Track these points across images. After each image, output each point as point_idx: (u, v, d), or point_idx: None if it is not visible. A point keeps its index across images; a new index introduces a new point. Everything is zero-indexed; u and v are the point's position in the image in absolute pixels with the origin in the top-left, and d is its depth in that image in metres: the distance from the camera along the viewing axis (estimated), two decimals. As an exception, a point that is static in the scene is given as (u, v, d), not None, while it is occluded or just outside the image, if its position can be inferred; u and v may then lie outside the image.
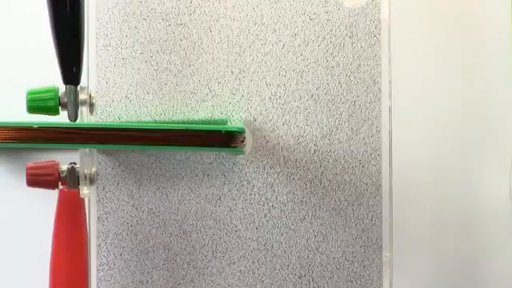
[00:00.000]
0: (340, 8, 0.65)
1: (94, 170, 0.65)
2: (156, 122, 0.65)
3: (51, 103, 0.63)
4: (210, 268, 0.65)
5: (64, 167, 0.64)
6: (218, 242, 0.65)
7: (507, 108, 0.74)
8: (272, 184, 0.65)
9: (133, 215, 0.65)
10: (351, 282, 0.65)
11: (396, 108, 0.67)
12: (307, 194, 0.65)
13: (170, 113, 0.65)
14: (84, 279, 0.64)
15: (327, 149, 0.65)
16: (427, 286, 0.75)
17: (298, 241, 0.65)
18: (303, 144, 0.65)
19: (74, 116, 0.64)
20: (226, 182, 0.65)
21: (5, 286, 0.73)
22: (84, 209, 0.64)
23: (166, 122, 0.64)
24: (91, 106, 0.64)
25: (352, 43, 0.65)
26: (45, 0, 0.60)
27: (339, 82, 0.65)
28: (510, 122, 0.74)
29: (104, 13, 0.64)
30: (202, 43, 0.65)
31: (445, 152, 0.74)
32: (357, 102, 0.65)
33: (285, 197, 0.65)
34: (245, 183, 0.65)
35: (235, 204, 0.65)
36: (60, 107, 0.63)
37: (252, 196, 0.65)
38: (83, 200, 0.64)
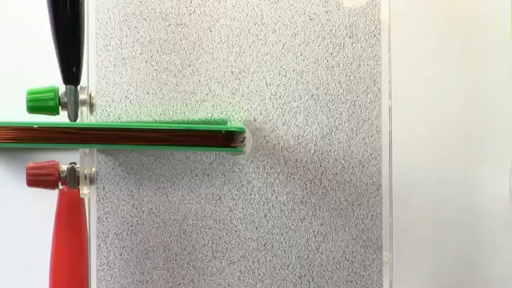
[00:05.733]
0: (340, 8, 0.65)
1: (93, 170, 0.65)
2: (156, 121, 0.65)
3: (51, 103, 0.63)
4: (210, 268, 0.65)
5: (64, 167, 0.64)
6: (218, 242, 0.65)
7: (507, 108, 0.74)
8: (272, 184, 0.65)
9: (133, 215, 0.65)
10: (351, 282, 0.65)
11: (396, 108, 0.67)
12: (307, 194, 0.65)
13: (170, 113, 0.65)
14: (84, 279, 0.64)
15: (327, 149, 0.65)
16: (427, 285, 0.75)
17: (298, 241, 0.65)
18: (303, 144, 0.65)
19: (73, 116, 0.64)
20: (226, 181, 0.65)
21: (5, 286, 0.73)
22: (84, 209, 0.64)
23: (166, 122, 0.64)
24: (91, 106, 0.64)
25: (352, 43, 0.65)
26: (45, 0, 0.60)
27: (339, 82, 0.65)
28: (510, 122, 0.74)
29: (104, 13, 0.64)
30: (201, 43, 0.65)
31: (445, 152, 0.74)
32: (357, 102, 0.65)
33: (285, 197, 0.65)
34: (245, 183, 0.65)
35: (235, 204, 0.65)
36: (60, 107, 0.63)
37: (252, 196, 0.65)
38: (83, 200, 0.64)
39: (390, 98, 0.65)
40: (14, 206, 0.73)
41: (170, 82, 0.65)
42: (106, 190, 0.65)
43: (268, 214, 0.65)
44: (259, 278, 0.65)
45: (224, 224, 0.65)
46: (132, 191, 0.65)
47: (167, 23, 0.65)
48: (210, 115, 0.65)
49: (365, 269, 0.65)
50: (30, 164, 0.64)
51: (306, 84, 0.65)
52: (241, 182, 0.65)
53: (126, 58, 0.64)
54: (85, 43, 0.62)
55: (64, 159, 0.65)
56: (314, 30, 0.65)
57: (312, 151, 0.65)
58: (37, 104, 0.63)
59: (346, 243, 0.65)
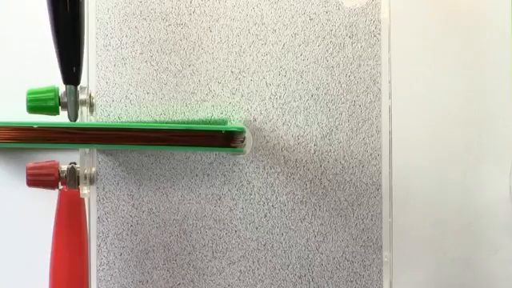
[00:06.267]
0: (340, 8, 0.65)
1: (93, 170, 0.65)
2: (156, 121, 0.65)
3: (51, 103, 0.63)
4: (210, 268, 0.65)
5: (64, 167, 0.64)
6: (218, 242, 0.65)
7: (507, 108, 0.74)
8: (272, 184, 0.65)
9: (133, 215, 0.65)
10: (351, 282, 0.65)
11: (396, 108, 0.67)
12: (307, 194, 0.65)
13: (170, 113, 0.65)
14: (84, 279, 0.64)
15: (327, 149, 0.65)
16: (427, 286, 0.75)
17: (298, 241, 0.65)
18: (303, 144, 0.65)
19: (73, 116, 0.64)
20: (226, 181, 0.65)
21: (5, 286, 0.73)
22: (84, 209, 0.64)
23: (166, 122, 0.64)
24: (91, 106, 0.64)
25: (352, 43, 0.65)
26: (45, 0, 0.60)
27: (339, 82, 0.65)
28: (510, 122, 0.74)
29: (104, 13, 0.64)
30: (201, 43, 0.65)
31: (445, 152, 0.74)
32: (357, 102, 0.65)
33: (285, 197, 0.65)
34: (245, 183, 0.65)
35: (235, 204, 0.65)
36: (60, 107, 0.63)
37: (252, 196, 0.65)
38: (83, 200, 0.64)
39: (390, 98, 0.65)
40: (14, 205, 0.73)
41: (170, 82, 0.65)
42: (106, 189, 0.65)
43: (268, 214, 0.65)
44: (259, 277, 0.65)
45: (224, 224, 0.65)
46: (132, 191, 0.65)
47: (167, 23, 0.65)
48: (210, 115, 0.65)
49: (365, 269, 0.65)
50: (30, 164, 0.64)
51: (306, 84, 0.65)
52: (241, 182, 0.65)
53: (125, 58, 0.64)
54: (85, 43, 0.62)
55: (64, 159, 0.65)
56: (314, 30, 0.65)
57: (312, 151, 0.65)
58: (37, 104, 0.63)
59: (346, 243, 0.65)
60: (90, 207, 0.65)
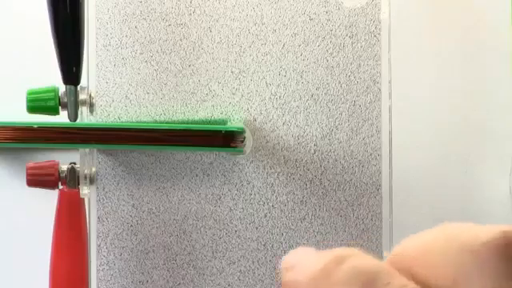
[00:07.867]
0: (340, 8, 0.65)
1: (93, 170, 0.65)
2: (156, 121, 0.65)
3: (51, 103, 0.63)
4: (209, 268, 0.65)
5: (64, 167, 0.64)
6: (218, 242, 0.65)
7: (507, 108, 0.74)
8: (272, 184, 0.65)
9: (133, 215, 0.65)
10: (351, 282, 0.65)
11: (396, 108, 0.67)
12: (307, 194, 0.65)
13: (170, 113, 0.65)
14: (84, 279, 0.64)
15: (327, 149, 0.65)
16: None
17: (298, 241, 0.65)
18: (303, 144, 0.65)
19: (73, 116, 0.64)
20: (226, 181, 0.65)
21: (5, 286, 0.73)
22: (84, 209, 0.64)
23: (166, 122, 0.64)
24: (91, 106, 0.64)
25: (352, 43, 0.65)
26: (45, 0, 0.60)
27: (339, 82, 0.65)
28: (510, 122, 0.74)
29: (104, 13, 0.64)
30: (201, 43, 0.65)
31: (445, 152, 0.74)
32: (357, 102, 0.65)
33: (285, 197, 0.65)
34: (245, 183, 0.65)
35: (235, 204, 0.65)
36: (60, 107, 0.63)
37: (252, 196, 0.65)
38: (83, 200, 0.64)
39: (389, 98, 0.65)
40: (14, 205, 0.73)
41: (170, 82, 0.65)
42: (106, 189, 0.65)
43: (268, 214, 0.65)
44: (259, 277, 0.65)
45: (224, 224, 0.65)
46: (132, 191, 0.65)
47: (167, 23, 0.65)
48: (210, 115, 0.65)
49: (365, 269, 0.65)
50: (30, 164, 0.64)
51: (305, 84, 0.65)
52: (241, 182, 0.65)
53: (126, 58, 0.64)
54: (85, 43, 0.62)
55: (64, 159, 0.65)
56: (314, 30, 0.65)
57: (312, 151, 0.65)
58: (37, 104, 0.63)
59: (346, 243, 0.65)
60: (90, 207, 0.65)
